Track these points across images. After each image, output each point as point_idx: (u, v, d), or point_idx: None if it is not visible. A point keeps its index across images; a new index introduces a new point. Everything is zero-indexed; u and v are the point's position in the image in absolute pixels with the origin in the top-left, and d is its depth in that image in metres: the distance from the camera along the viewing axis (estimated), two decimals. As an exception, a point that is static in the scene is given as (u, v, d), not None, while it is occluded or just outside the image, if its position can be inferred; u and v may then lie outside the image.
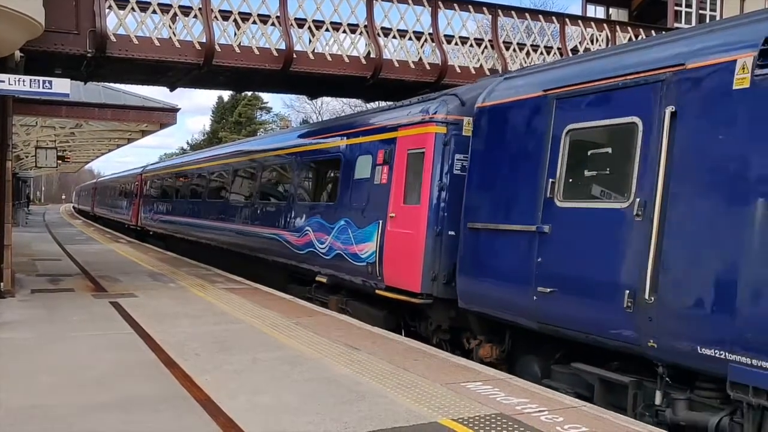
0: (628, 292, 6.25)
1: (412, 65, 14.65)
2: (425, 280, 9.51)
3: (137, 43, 12.63)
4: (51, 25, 11.23)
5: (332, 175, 13.19)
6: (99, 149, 41.07)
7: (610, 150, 7.02)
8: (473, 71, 15.09)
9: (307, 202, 13.97)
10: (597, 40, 16.70)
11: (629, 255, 6.35)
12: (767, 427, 5.34)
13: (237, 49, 13.38)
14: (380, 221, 10.70)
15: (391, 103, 14.58)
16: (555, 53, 16.21)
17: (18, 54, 11.63)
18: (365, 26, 14.40)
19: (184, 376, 6.81)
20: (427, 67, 14.75)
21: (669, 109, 6.16)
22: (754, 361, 5.25)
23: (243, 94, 67.61)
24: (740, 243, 5.48)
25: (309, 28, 14.04)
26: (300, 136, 15.46)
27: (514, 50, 15.86)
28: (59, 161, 31.40)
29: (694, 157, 5.98)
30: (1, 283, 11.69)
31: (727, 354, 5.43)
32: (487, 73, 15.02)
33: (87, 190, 65.60)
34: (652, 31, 17.39)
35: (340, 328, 9.56)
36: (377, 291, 10.62)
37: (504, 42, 15.76)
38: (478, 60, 15.42)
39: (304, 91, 19.50)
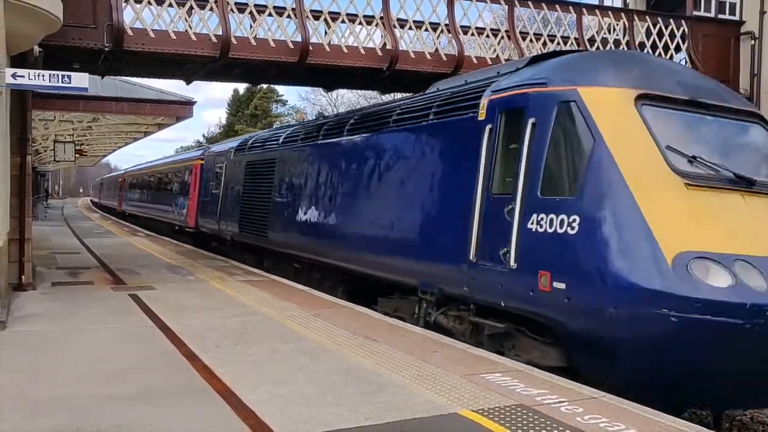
0: (216, 218, 20.40)
1: (429, 56, 14.61)
2: (196, 222, 23.11)
3: (154, 36, 12.69)
4: (69, 19, 11.28)
5: (181, 180, 27.38)
6: (116, 143, 41.39)
7: (220, 172, 20.88)
8: (490, 62, 15.00)
9: (175, 192, 28.47)
10: (614, 29, 16.53)
11: (217, 207, 20.33)
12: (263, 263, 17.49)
13: (253, 42, 13.40)
14: (188, 200, 24.54)
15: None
16: (572, 43, 16.07)
17: (37, 49, 11.71)
18: (381, 18, 14.37)
19: (204, 368, 6.86)
20: (444, 58, 14.70)
21: (225, 163, 20.46)
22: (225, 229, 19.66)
23: (258, 86, 67.77)
24: (218, 200, 20.37)
25: (325, 20, 14.02)
26: (175, 158, 34.83)
27: (531, 40, 15.74)
28: (77, 155, 31.82)
29: (229, 179, 19.82)
30: (23, 276, 11.81)
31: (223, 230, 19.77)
32: (503, 63, 14.93)
33: (97, 185, 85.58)
34: (671, 20, 17.19)
35: (359, 319, 9.58)
36: (186, 229, 24.80)
37: (520, 32, 15.65)
38: (495, 50, 15.34)
39: (319, 84, 19.48)
